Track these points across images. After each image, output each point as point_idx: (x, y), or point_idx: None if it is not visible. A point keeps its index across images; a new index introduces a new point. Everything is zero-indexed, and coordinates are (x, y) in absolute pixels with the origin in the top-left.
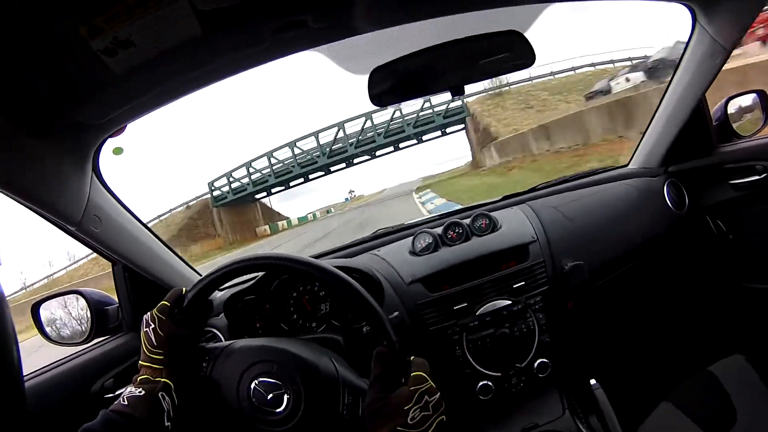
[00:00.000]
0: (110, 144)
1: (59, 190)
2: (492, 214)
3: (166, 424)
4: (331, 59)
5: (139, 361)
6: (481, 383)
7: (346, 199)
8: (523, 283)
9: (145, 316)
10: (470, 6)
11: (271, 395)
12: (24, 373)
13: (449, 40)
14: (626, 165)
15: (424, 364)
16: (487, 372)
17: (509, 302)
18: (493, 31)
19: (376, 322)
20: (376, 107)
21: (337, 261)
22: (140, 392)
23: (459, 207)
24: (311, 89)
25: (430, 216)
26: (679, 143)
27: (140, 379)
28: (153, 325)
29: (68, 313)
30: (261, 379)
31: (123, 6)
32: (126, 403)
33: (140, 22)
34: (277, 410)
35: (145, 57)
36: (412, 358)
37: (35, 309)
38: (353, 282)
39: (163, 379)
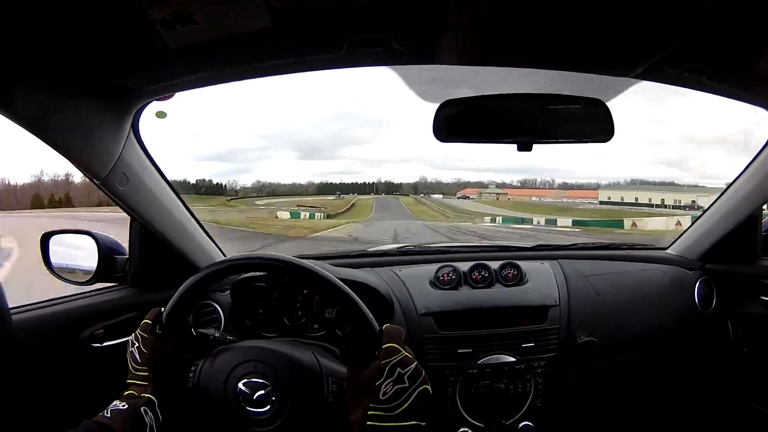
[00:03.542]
0: (155, 106)
1: (91, 144)
2: (521, 264)
3: None
4: (401, 78)
5: (127, 380)
6: (461, 429)
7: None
8: (533, 344)
9: (129, 338)
10: (561, 64)
11: (257, 394)
12: (13, 306)
13: (530, 92)
14: (666, 248)
15: (398, 333)
16: (471, 420)
17: (513, 359)
18: (577, 95)
19: (350, 306)
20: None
21: (361, 273)
22: (123, 406)
23: (489, 244)
24: (370, 98)
25: (461, 244)
26: (724, 243)
27: (126, 394)
28: (137, 344)
29: (77, 252)
30: (246, 379)
31: None
32: (109, 415)
33: (206, 1)
34: (265, 408)
35: (204, 37)
36: (385, 326)
37: (45, 240)
38: (331, 277)
39: (147, 395)
